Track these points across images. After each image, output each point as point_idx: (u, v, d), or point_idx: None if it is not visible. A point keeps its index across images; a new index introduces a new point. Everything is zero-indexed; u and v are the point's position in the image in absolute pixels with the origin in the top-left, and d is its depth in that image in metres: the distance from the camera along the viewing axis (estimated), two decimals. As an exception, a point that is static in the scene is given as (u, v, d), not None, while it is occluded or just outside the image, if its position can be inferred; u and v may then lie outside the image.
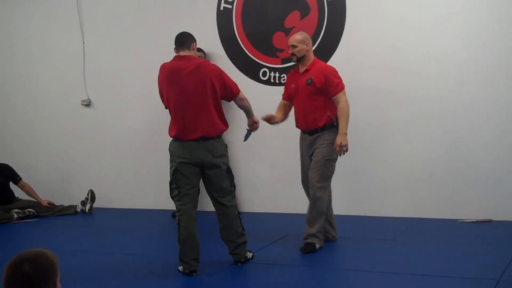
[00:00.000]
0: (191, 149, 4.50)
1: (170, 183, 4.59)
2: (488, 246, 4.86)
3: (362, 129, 5.95)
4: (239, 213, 4.74)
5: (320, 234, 4.94)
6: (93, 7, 7.38)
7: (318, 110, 4.96)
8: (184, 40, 4.60)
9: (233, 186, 4.68)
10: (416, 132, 5.92)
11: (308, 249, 4.87)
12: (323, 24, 6.23)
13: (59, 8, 7.56)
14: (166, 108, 4.65)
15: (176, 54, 4.61)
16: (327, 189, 4.98)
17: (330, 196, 5.12)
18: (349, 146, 4.88)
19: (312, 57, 5.11)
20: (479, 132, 5.70)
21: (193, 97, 4.47)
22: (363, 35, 5.96)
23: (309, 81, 4.97)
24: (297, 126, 5.21)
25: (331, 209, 5.18)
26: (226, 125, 4.64)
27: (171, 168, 4.58)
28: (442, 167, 5.86)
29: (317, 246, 4.90)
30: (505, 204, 5.62)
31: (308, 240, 4.92)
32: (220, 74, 4.57)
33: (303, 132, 5.16)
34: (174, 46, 4.64)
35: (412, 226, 5.65)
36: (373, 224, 5.85)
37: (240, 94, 4.70)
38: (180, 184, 4.52)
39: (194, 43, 4.65)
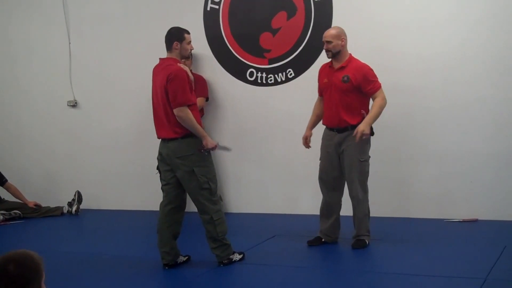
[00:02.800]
0: (160, 147, 4.66)
1: None
2: (474, 245, 4.89)
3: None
4: (212, 218, 4.51)
5: (368, 232, 4.99)
6: (79, 8, 7.33)
7: (351, 108, 4.86)
8: (165, 42, 4.62)
9: (204, 190, 4.50)
10: (402, 132, 5.94)
11: (358, 245, 4.92)
12: (309, 25, 6.24)
13: (44, 9, 7.51)
14: None
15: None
16: (367, 190, 4.99)
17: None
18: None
19: (347, 53, 4.97)
20: (465, 133, 5.71)
21: (157, 99, 4.58)
22: (350, 35, 5.90)
23: (346, 78, 4.84)
24: (324, 123, 5.05)
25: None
26: (184, 128, 4.45)
27: None
28: (428, 167, 5.88)
29: (367, 242, 4.96)
30: (490, 204, 5.65)
31: (359, 238, 4.96)
32: (173, 79, 4.38)
33: (330, 129, 4.99)
34: (161, 46, 4.66)
35: (398, 225, 5.66)
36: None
37: (181, 109, 4.38)
38: (160, 179, 4.77)
39: (176, 42, 4.54)
